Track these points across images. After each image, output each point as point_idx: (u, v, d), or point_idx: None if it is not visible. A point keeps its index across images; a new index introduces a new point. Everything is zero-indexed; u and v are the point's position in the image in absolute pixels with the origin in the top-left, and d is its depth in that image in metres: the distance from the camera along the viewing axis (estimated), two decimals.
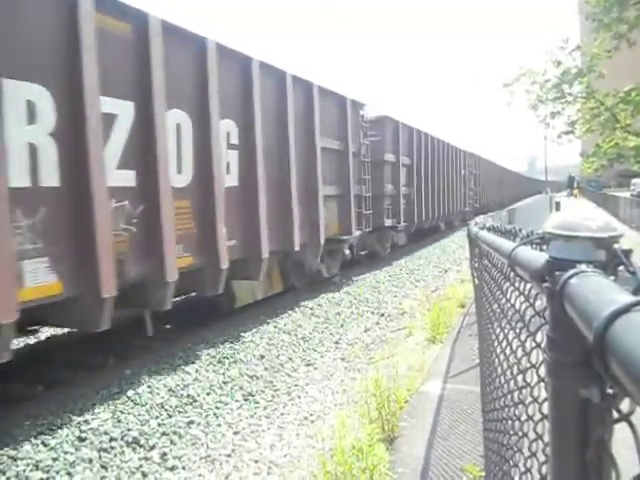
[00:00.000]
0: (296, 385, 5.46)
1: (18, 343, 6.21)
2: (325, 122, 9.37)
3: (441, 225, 20.38)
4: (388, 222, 13.30)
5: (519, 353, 1.38)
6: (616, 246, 0.77)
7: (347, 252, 10.61)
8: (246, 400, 5.03)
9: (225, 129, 6.77)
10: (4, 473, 3.63)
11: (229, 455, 4.01)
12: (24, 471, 3.66)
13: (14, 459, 3.79)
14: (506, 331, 1.70)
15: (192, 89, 6.18)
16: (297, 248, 8.35)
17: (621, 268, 0.75)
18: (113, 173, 5.05)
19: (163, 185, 5.55)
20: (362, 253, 13.17)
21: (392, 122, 13.67)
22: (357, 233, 10.81)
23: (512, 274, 1.44)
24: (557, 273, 0.77)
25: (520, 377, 1.36)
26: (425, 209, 16.41)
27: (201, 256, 6.24)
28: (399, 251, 14.86)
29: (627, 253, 0.76)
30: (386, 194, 13.11)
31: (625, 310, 0.51)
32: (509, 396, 1.61)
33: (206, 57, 6.28)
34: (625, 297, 0.55)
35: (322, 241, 9.23)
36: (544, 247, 1.02)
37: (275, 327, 7.33)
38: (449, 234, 20.62)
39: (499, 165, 39.42)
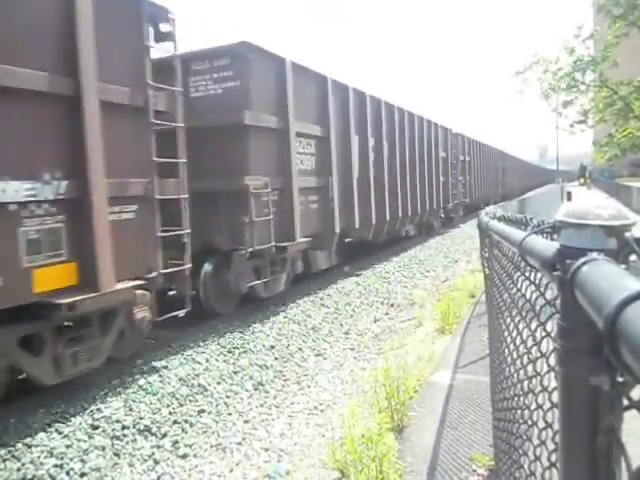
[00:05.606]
0: (306, 375, 5.49)
1: None
2: (441, 141, 17.48)
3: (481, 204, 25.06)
4: (461, 199, 20.67)
5: (529, 342, 1.38)
6: (628, 234, 0.76)
7: (442, 215, 18.20)
8: (256, 389, 5.07)
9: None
10: (19, 459, 3.70)
11: (239, 443, 4.05)
12: (38, 457, 3.73)
13: (28, 446, 3.86)
14: (516, 321, 1.70)
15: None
16: (435, 207, 16.42)
17: (633, 257, 0.75)
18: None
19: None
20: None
21: (461, 135, 21.18)
22: (451, 204, 18.84)
23: (523, 263, 1.43)
24: (568, 261, 0.77)
25: (530, 366, 1.35)
26: (476, 191, 23.82)
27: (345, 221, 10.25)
28: (408, 242, 14.86)
29: (639, 241, 0.75)
30: (459, 181, 20.31)
31: (636, 297, 0.51)
32: (519, 385, 1.61)
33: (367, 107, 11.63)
34: (636, 284, 0.54)
35: (442, 206, 17.51)
36: (555, 236, 1.02)
37: (285, 317, 7.36)
38: (460, 224, 20.54)
39: (520, 159, 47.03)
